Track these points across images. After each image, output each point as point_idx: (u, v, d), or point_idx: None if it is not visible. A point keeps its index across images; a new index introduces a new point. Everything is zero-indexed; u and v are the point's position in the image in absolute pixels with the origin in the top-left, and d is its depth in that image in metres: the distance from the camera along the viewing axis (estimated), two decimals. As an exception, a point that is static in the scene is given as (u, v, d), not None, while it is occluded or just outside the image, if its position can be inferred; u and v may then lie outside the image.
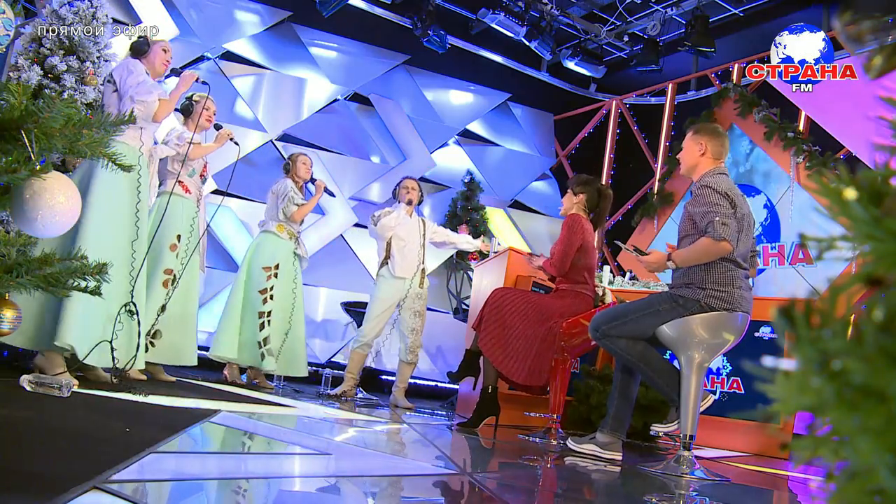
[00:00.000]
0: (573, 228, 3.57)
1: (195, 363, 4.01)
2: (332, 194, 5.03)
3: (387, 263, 4.84)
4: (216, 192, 6.05)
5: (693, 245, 2.77)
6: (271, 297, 4.56)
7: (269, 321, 4.52)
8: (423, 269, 4.92)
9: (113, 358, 2.95)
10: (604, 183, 8.16)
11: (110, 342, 2.92)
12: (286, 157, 5.11)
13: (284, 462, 2.00)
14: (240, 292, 4.62)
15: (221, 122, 4.33)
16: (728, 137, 3.07)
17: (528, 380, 3.44)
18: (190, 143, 3.85)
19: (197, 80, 3.50)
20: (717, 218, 2.69)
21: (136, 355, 3.09)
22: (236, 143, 4.18)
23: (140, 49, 3.42)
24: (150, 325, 3.72)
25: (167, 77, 3.66)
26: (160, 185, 4.04)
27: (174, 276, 3.88)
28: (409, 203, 4.89)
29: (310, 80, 7.18)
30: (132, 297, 3.08)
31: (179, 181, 3.96)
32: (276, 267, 4.62)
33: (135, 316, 3.09)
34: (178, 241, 3.93)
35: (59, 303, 2.79)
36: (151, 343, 3.77)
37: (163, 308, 3.79)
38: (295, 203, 4.68)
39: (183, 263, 3.94)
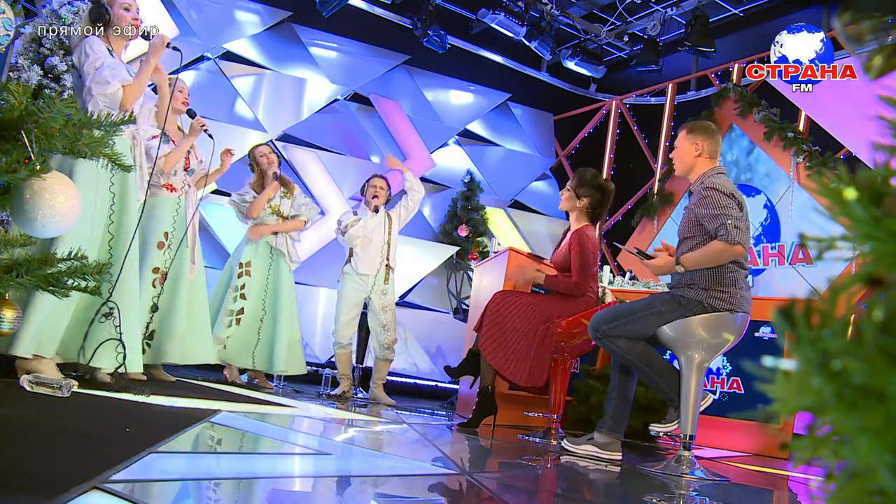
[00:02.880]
0: (585, 247, 3.52)
1: (212, 359, 3.97)
2: (210, 136, 4.27)
3: (350, 261, 4.87)
4: (217, 192, 6.05)
5: (705, 248, 2.75)
6: (242, 296, 4.51)
7: (237, 319, 4.48)
8: (387, 266, 4.91)
9: (122, 359, 2.92)
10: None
11: (82, 346, 2.84)
12: (285, 157, 5.10)
13: (284, 462, 2.00)
14: (218, 293, 4.62)
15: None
16: (720, 134, 3.05)
17: (529, 381, 3.43)
18: (160, 156, 3.71)
19: (168, 46, 3.11)
20: (730, 221, 2.67)
21: (124, 357, 2.93)
22: (210, 136, 3.84)
23: (100, 16, 2.99)
24: (146, 325, 3.66)
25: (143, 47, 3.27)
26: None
27: (164, 274, 3.79)
28: (376, 210, 4.90)
29: (310, 80, 7.17)
30: (110, 297, 2.89)
31: (164, 185, 3.88)
32: (248, 264, 4.58)
33: (111, 318, 2.89)
34: (166, 239, 3.82)
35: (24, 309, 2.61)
36: (147, 344, 3.70)
37: (154, 308, 3.72)
38: (245, 201, 4.67)
39: (171, 258, 3.83)
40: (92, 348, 2.85)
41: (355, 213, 4.95)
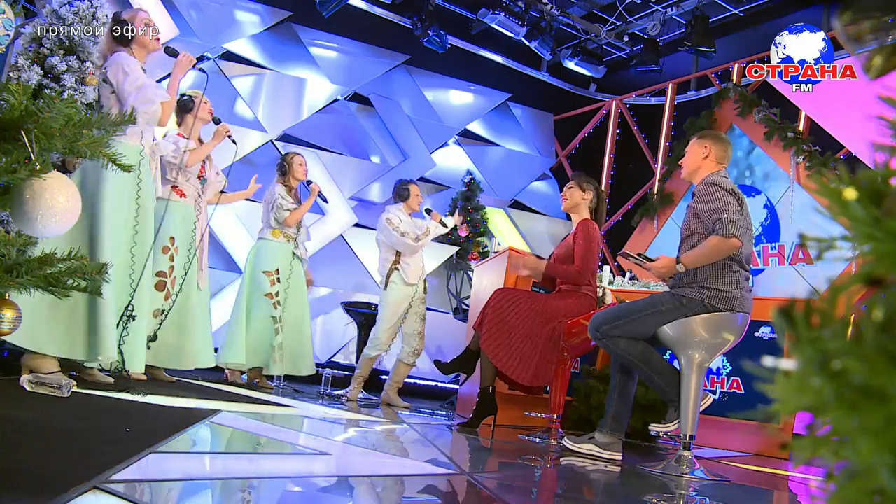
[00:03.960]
0: (590, 234, 3.57)
1: (211, 364, 3.98)
2: (325, 199, 5.03)
3: (397, 269, 4.85)
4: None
5: (702, 244, 2.75)
6: (280, 303, 4.60)
7: (281, 326, 4.57)
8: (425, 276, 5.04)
9: (123, 361, 2.96)
10: (602, 183, 8.21)
11: (119, 347, 2.91)
12: (282, 155, 5.13)
13: (284, 462, 2.00)
14: (245, 299, 4.63)
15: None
16: (732, 145, 3.06)
17: (533, 381, 3.42)
18: (185, 150, 3.86)
19: (194, 67, 3.38)
20: (726, 216, 2.68)
21: (122, 359, 3.06)
22: (234, 142, 4.07)
23: (123, 38, 3.13)
24: (154, 329, 3.66)
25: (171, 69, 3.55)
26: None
27: (171, 278, 3.81)
28: (444, 225, 4.97)
29: (310, 80, 7.17)
30: (131, 303, 3.03)
31: (174, 187, 3.92)
32: (277, 272, 4.64)
33: (134, 320, 3.04)
34: (172, 244, 3.84)
35: (95, 315, 2.77)
36: (148, 346, 3.72)
37: (162, 312, 3.72)
38: (285, 209, 4.68)
39: (183, 266, 3.87)
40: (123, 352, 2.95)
41: (400, 219, 4.89)
